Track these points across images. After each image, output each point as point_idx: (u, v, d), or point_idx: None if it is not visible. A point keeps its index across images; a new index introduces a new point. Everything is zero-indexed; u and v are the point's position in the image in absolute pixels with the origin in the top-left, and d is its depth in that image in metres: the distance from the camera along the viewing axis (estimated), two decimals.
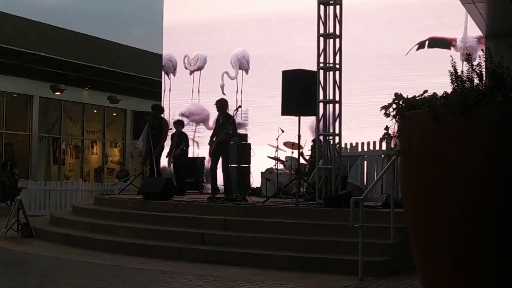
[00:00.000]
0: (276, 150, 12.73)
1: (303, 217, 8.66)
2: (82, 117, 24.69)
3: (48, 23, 22.28)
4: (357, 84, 13.96)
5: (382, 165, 9.46)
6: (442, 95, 4.13)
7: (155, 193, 10.70)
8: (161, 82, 19.15)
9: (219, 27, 17.79)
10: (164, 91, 18.87)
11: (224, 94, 17.14)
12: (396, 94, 4.34)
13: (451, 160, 3.97)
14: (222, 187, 11.24)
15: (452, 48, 14.62)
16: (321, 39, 9.69)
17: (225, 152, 11.09)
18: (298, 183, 10.26)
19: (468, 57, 4.17)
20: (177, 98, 18.45)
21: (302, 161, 12.12)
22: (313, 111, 9.78)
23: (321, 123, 9.71)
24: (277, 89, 10.23)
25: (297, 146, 10.55)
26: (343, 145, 10.35)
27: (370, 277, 6.72)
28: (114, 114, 26.31)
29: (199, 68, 18.20)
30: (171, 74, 18.79)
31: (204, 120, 17.58)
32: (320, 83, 9.63)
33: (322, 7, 9.73)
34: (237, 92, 17.33)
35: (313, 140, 12.55)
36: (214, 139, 11.09)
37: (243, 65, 17.44)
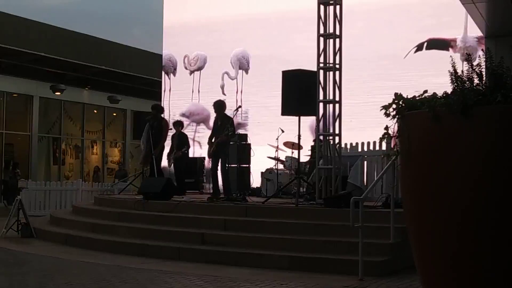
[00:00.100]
0: (276, 150, 12.74)
1: (303, 217, 8.66)
2: (82, 117, 24.67)
3: (48, 23, 22.27)
4: (357, 84, 13.95)
5: (382, 165, 9.47)
6: (442, 95, 4.12)
7: (155, 193, 10.71)
8: (161, 82, 19.15)
9: (219, 27, 17.79)
10: (164, 91, 18.87)
11: (224, 94, 17.15)
12: (396, 94, 4.34)
13: (451, 160, 3.97)
14: (222, 187, 11.25)
15: (450, 49, 14.62)
16: (321, 39, 9.70)
17: (225, 153, 11.09)
18: (298, 183, 10.26)
19: (468, 57, 4.17)
20: (177, 98, 18.44)
21: (303, 158, 12.12)
22: (313, 111, 9.78)
23: (321, 123, 9.71)
24: (277, 89, 10.23)
25: (297, 146, 10.55)
26: (343, 145, 10.35)
27: (370, 277, 6.72)
28: (114, 114, 26.29)
29: (199, 68, 18.20)
30: (171, 74, 18.79)
31: (204, 120, 17.58)
32: (320, 83, 9.63)
33: (322, 7, 9.73)
34: (237, 92, 17.33)
35: (314, 140, 12.55)
36: (213, 141, 11.08)
37: (243, 65, 17.44)
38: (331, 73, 9.60)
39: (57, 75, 22.55)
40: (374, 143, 10.59)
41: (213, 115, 11.47)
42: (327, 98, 9.62)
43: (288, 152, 12.91)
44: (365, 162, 10.42)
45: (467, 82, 4.06)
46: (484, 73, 4.08)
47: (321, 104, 9.65)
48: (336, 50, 9.62)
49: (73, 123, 24.43)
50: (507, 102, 3.80)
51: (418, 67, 14.58)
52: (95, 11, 54.36)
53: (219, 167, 11.15)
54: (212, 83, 17.65)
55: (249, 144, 12.99)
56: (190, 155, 14.33)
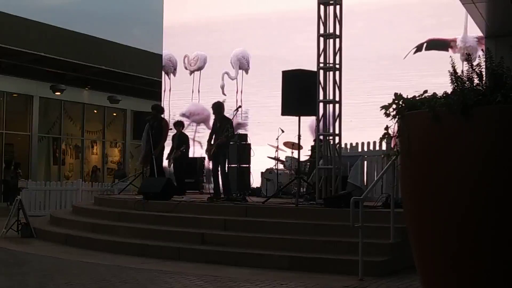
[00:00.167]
0: (276, 150, 12.74)
1: (303, 217, 8.66)
2: (82, 117, 24.68)
3: (48, 23, 22.29)
4: (357, 84, 13.95)
5: (382, 165, 9.47)
6: (442, 95, 4.12)
7: (155, 193, 10.71)
8: (161, 82, 19.15)
9: (219, 27, 17.80)
10: (164, 91, 18.88)
11: (225, 95, 17.16)
12: (396, 94, 4.34)
13: (451, 160, 3.97)
14: (222, 188, 11.24)
15: (450, 49, 14.63)
16: (321, 39, 9.70)
17: (225, 155, 11.10)
18: (298, 183, 10.26)
19: (468, 57, 4.17)
20: (177, 98, 18.45)
21: (303, 158, 12.12)
22: (313, 111, 9.79)
23: (321, 123, 9.71)
24: (277, 89, 10.23)
25: (297, 146, 10.55)
26: (343, 145, 10.35)
27: (370, 277, 6.72)
28: (114, 114, 26.30)
29: (199, 68, 18.21)
30: (171, 74, 18.79)
31: (205, 120, 17.58)
32: (320, 83, 9.63)
33: (322, 7, 9.73)
34: (237, 92, 17.34)
35: (314, 140, 12.56)
36: (212, 142, 11.07)
37: (243, 65, 17.45)
38: (331, 73, 9.60)
39: (57, 75, 22.55)
40: (374, 143, 10.59)
41: (213, 115, 11.45)
42: (327, 98, 9.62)
43: (288, 152, 12.91)
44: (365, 162, 10.42)
45: (467, 82, 4.06)
46: (484, 73, 4.08)
47: (321, 104, 9.65)
48: (336, 50, 9.62)
49: (73, 123, 24.43)
50: (507, 102, 3.80)
51: (418, 67, 14.58)
52: (95, 11, 54.41)
53: (219, 168, 11.15)
54: (212, 83, 17.66)
55: (249, 144, 12.99)
56: (190, 155, 14.33)
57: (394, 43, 15.14)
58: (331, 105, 9.61)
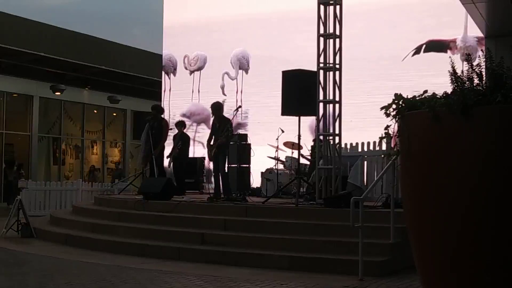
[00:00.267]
0: (276, 150, 12.74)
1: (303, 217, 8.66)
2: (82, 117, 24.67)
3: (48, 23, 22.26)
4: (357, 84, 13.96)
5: (382, 165, 9.47)
6: (442, 95, 4.13)
7: (155, 193, 10.71)
8: (161, 82, 19.15)
9: (219, 27, 17.80)
10: (164, 91, 18.88)
11: (225, 95, 17.17)
12: (396, 94, 4.34)
13: (451, 160, 3.97)
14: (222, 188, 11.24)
15: (449, 51, 14.63)
16: (321, 39, 9.70)
17: (225, 154, 11.09)
18: (298, 183, 10.26)
19: (468, 57, 4.17)
20: (177, 98, 18.45)
21: (303, 161, 12.12)
22: (313, 111, 9.79)
23: (321, 123, 9.71)
24: (277, 89, 10.23)
25: (297, 146, 10.55)
26: (343, 145, 10.35)
27: (370, 277, 6.72)
28: (114, 114, 26.29)
29: (199, 68, 18.21)
30: (171, 74, 18.80)
31: (205, 120, 17.58)
32: (320, 83, 9.63)
33: (322, 7, 9.73)
34: (237, 92, 17.34)
35: (314, 140, 12.56)
36: (211, 143, 11.06)
37: (243, 65, 17.45)
38: (331, 73, 9.60)
39: (57, 75, 22.54)
40: (374, 143, 10.59)
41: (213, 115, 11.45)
42: (327, 98, 9.62)
43: (288, 152, 12.91)
44: (365, 162, 10.42)
45: (467, 82, 4.06)
46: (484, 73, 4.08)
47: (321, 104, 9.65)
48: (336, 50, 9.62)
49: (73, 123, 24.42)
50: (507, 102, 3.80)
51: (418, 67, 14.60)
52: (95, 11, 54.40)
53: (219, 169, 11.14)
54: (212, 83, 17.67)
55: (249, 144, 12.99)
56: (190, 155, 14.33)
57: (394, 43, 15.15)
58: (331, 105, 9.61)
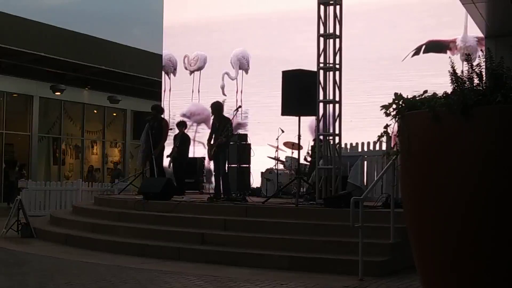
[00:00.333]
0: (276, 150, 12.74)
1: (303, 217, 8.66)
2: (82, 117, 24.66)
3: (48, 23, 22.26)
4: (357, 84, 13.96)
5: (382, 165, 9.48)
6: (442, 95, 4.13)
7: (155, 193, 10.71)
8: (161, 82, 19.15)
9: (219, 27, 17.80)
10: (164, 91, 18.88)
11: (225, 95, 17.17)
12: (396, 94, 4.34)
13: (451, 160, 3.97)
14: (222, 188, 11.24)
15: (448, 51, 14.63)
16: (321, 39, 9.70)
17: (225, 154, 11.10)
18: (298, 183, 10.27)
19: (468, 57, 4.17)
20: (177, 98, 18.45)
21: (303, 161, 12.12)
22: (313, 111, 9.79)
23: (321, 123, 9.71)
24: (277, 89, 10.23)
25: (297, 146, 10.55)
26: (343, 145, 10.35)
27: (370, 277, 6.72)
28: (114, 114, 26.29)
29: (199, 68, 18.21)
30: (171, 74, 18.80)
31: (205, 120, 17.58)
32: (320, 83, 9.63)
33: (322, 7, 9.73)
34: (237, 92, 17.34)
35: (314, 140, 12.56)
36: (212, 143, 11.06)
37: (243, 65, 17.45)
38: (331, 73, 9.60)
39: (57, 75, 22.54)
40: (374, 143, 10.59)
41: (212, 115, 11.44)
42: (327, 98, 9.62)
43: (288, 152, 12.91)
44: (365, 162, 10.42)
45: (467, 82, 4.06)
46: (484, 73, 4.08)
47: (321, 104, 9.65)
48: (336, 50, 9.62)
49: (73, 123, 24.42)
50: (507, 102, 3.80)
51: (418, 67, 14.59)
52: (95, 11, 54.40)
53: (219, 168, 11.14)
54: (212, 83, 17.66)
55: (249, 144, 12.99)
56: (190, 155, 14.33)
57: (394, 43, 15.15)
58: (331, 105, 9.61)
